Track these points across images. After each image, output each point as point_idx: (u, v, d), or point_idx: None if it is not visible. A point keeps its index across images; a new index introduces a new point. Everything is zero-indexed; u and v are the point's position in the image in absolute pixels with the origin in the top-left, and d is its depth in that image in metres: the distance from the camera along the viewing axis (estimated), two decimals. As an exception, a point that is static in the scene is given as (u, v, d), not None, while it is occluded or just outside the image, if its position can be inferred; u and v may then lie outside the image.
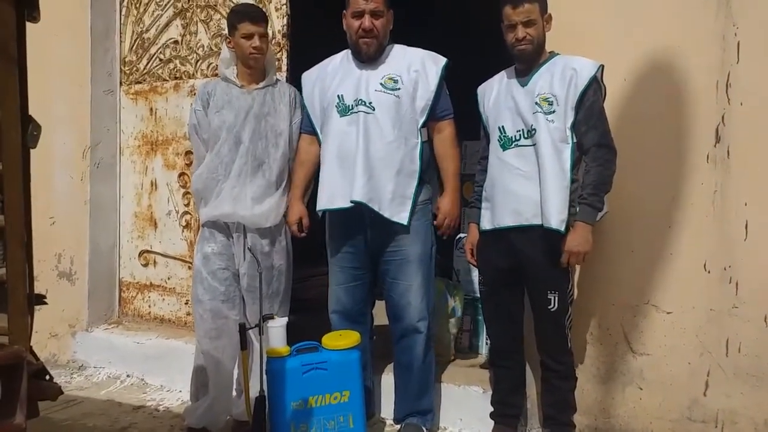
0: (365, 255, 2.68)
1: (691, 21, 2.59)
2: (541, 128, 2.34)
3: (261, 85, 2.80)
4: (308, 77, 2.79)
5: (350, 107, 2.59)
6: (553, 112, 2.34)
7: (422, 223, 2.64)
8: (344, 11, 2.65)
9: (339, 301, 2.74)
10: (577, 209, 2.31)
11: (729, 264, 2.52)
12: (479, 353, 3.37)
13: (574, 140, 2.35)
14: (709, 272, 2.55)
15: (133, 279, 4.03)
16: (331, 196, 2.60)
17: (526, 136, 2.39)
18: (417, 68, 2.61)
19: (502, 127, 2.45)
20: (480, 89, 2.63)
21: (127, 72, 4.01)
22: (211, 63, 3.66)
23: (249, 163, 2.73)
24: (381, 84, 2.59)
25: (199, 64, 3.73)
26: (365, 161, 2.54)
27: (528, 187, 2.36)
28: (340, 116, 2.61)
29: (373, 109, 2.56)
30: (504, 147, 2.44)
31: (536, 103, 2.37)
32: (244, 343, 2.48)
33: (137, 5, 3.95)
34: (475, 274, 3.43)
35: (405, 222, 2.58)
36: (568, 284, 2.40)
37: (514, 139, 2.42)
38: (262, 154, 2.75)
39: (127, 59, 4.01)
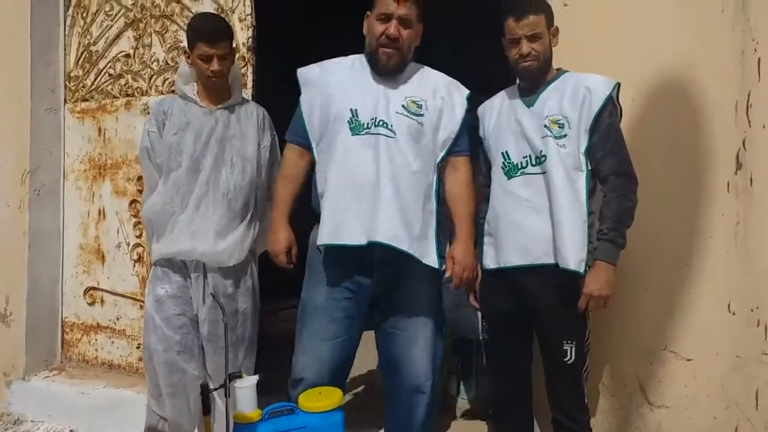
0: (365, 301, 2.26)
1: (705, 35, 2.35)
2: (552, 154, 2.05)
3: (225, 104, 2.46)
4: (307, 76, 2.33)
5: (366, 126, 2.18)
6: (565, 136, 2.06)
7: (433, 267, 2.23)
8: (368, 12, 2.27)
9: (319, 364, 2.24)
10: (596, 246, 2.02)
11: (756, 305, 2.26)
12: (471, 398, 3.05)
13: (589, 167, 2.07)
14: (733, 314, 2.29)
15: (78, 319, 3.61)
16: (337, 229, 2.15)
17: (534, 162, 2.10)
18: (443, 95, 2.27)
19: (506, 152, 2.16)
20: (480, 110, 2.33)
21: (73, 88, 3.61)
22: (167, 78, 3.29)
23: (210, 193, 2.39)
24: (403, 106, 2.20)
25: (153, 79, 3.36)
26: (392, 193, 2.13)
27: (538, 221, 2.07)
28: (352, 134, 2.19)
29: (394, 134, 2.18)
30: (509, 175, 2.14)
31: (545, 126, 2.08)
32: (207, 407, 2.10)
33: (83, 15, 3.57)
34: (464, 311, 3.13)
35: (437, 265, 2.19)
36: (585, 332, 2.10)
37: (520, 167, 2.12)
38: (225, 183, 2.41)
39: (72, 74, 3.62)
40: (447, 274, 2.22)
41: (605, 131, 2.06)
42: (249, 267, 2.50)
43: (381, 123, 2.18)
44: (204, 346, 2.44)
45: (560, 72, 2.19)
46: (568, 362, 2.07)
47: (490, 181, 2.27)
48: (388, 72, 2.24)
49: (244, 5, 3.12)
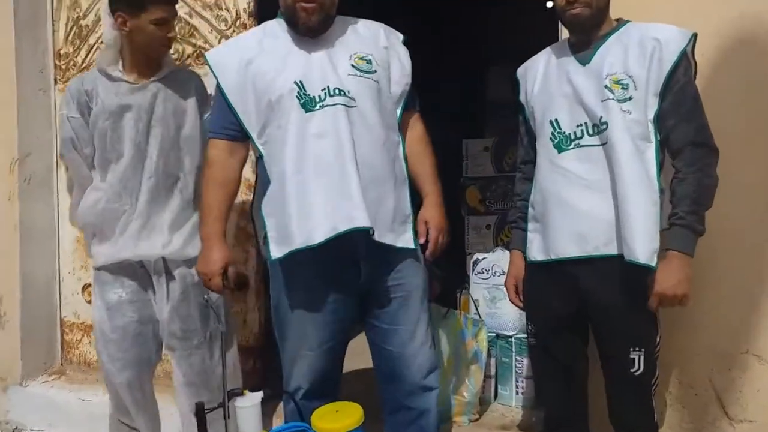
0: (355, 300, 1.93)
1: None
2: (615, 121, 1.68)
3: (158, 75, 2.14)
4: (221, 58, 1.93)
5: (319, 99, 1.82)
6: (630, 98, 1.69)
7: (416, 246, 1.94)
8: None
9: (312, 372, 1.94)
10: (670, 233, 1.66)
11: None
12: (510, 405, 2.71)
13: (658, 137, 1.70)
14: (830, 309, 1.92)
15: (78, 318, 3.33)
16: (309, 228, 1.78)
17: (591, 132, 1.73)
18: (385, 44, 1.96)
19: (556, 120, 1.79)
20: (520, 71, 1.97)
21: (63, 67, 3.30)
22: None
23: (161, 182, 2.12)
24: (353, 66, 1.87)
25: (148, 53, 3.03)
26: (359, 171, 1.80)
27: (597, 203, 1.70)
28: (306, 112, 1.82)
29: (354, 101, 1.84)
30: (560, 148, 1.78)
31: (606, 87, 1.71)
32: (204, 430, 1.78)
33: (72, -15, 3.24)
34: (500, 304, 2.79)
35: (413, 245, 1.89)
36: (656, 337, 1.74)
37: (573, 137, 1.76)
38: (174, 167, 2.13)
39: (62, 51, 3.30)
40: (421, 240, 1.92)
41: (679, 93, 1.68)
42: None
43: (337, 91, 1.82)
44: (172, 350, 2.21)
45: (621, 22, 1.81)
46: (636, 373, 1.71)
47: (533, 155, 1.92)
48: (313, 31, 1.87)
49: (246, -34, 2.78)
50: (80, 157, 2.17)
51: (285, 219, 1.81)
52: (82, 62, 3.24)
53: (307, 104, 1.82)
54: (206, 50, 2.80)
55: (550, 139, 1.80)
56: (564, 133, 1.77)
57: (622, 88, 1.69)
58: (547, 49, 1.92)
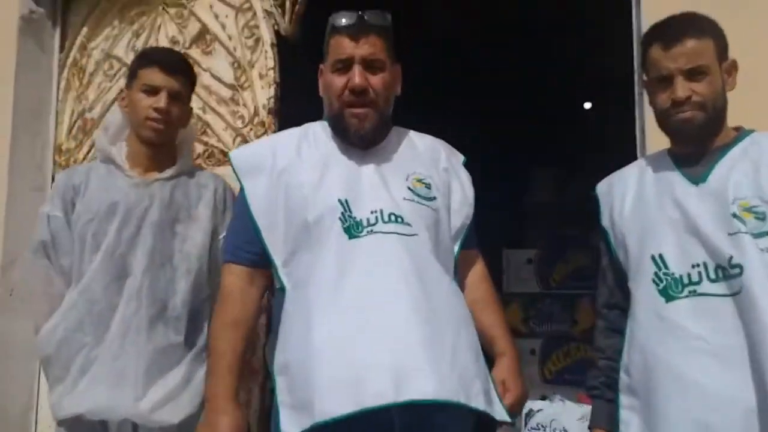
0: None
1: None
2: (752, 264, 1.24)
3: (167, 173, 1.78)
4: (252, 159, 1.58)
5: (367, 223, 1.45)
6: (768, 232, 1.24)
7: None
8: (321, 66, 1.62)
9: None
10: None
11: None
12: None
13: (810, 287, 1.24)
14: None
15: (55, 454, 2.82)
16: (342, 394, 1.31)
17: (714, 276, 1.29)
18: (445, 165, 1.64)
19: (660, 257, 1.35)
20: (602, 188, 1.56)
21: (63, 163, 2.96)
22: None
23: (144, 309, 1.68)
24: (410, 189, 1.52)
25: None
26: (426, 319, 1.36)
27: (730, 381, 1.24)
28: (350, 238, 1.44)
29: (411, 226, 1.46)
30: (668, 295, 1.33)
31: (734, 216, 1.27)
32: None
33: (80, 76, 2.97)
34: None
35: (508, 417, 1.44)
36: None
37: (687, 281, 1.31)
38: (165, 292, 1.71)
39: (63, 147, 2.99)
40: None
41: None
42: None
43: (392, 217, 1.45)
44: None
45: (742, 132, 1.39)
46: None
47: (621, 298, 1.46)
48: (366, 141, 1.54)
49: (266, 58, 2.46)
50: (52, 268, 1.77)
51: (306, 378, 1.35)
52: (84, 158, 2.91)
53: (352, 229, 1.43)
54: (219, 150, 2.50)
55: (654, 281, 1.34)
56: (673, 274, 1.32)
57: (757, 218, 1.26)
58: (639, 162, 1.52)
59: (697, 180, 1.37)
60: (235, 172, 1.58)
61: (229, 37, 2.54)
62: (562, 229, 3.96)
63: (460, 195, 1.63)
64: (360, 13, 1.51)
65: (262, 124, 2.40)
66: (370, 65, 1.52)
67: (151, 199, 1.75)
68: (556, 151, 4.45)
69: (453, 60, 4.30)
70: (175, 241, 1.76)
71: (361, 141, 1.54)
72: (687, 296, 1.30)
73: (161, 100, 1.70)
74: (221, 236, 1.78)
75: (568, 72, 4.23)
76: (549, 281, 3.58)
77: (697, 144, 1.39)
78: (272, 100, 2.42)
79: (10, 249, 2.85)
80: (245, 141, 2.40)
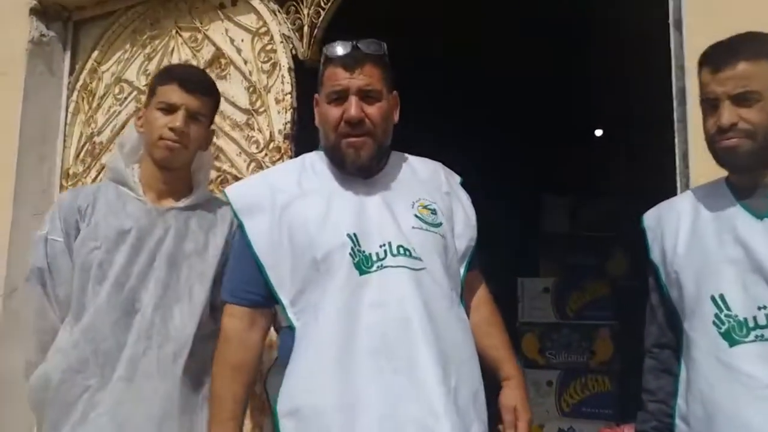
0: None
1: None
2: (825, 308, 1.13)
3: (183, 202, 1.67)
4: (250, 196, 1.54)
5: (377, 257, 1.41)
6: (840, 273, 1.15)
7: None
8: (316, 95, 1.59)
9: None
10: None
11: None
12: None
13: None
14: None
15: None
16: None
17: (784, 320, 1.17)
18: (446, 189, 1.63)
19: (721, 297, 1.25)
20: (649, 221, 1.46)
21: (70, 188, 2.89)
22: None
23: (153, 351, 1.55)
24: (417, 217, 1.49)
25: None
26: (437, 362, 1.34)
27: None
28: (360, 274, 1.40)
29: (420, 260, 1.43)
30: (731, 339, 1.22)
31: (804, 255, 1.17)
32: None
33: (89, 99, 2.91)
34: None
35: None
36: None
37: (754, 325, 1.21)
38: (177, 331, 1.58)
39: (71, 171, 2.92)
40: None
41: None
42: None
43: (401, 250, 1.42)
44: None
45: (807, 160, 1.30)
46: None
47: (672, 338, 1.36)
48: (364, 171, 1.51)
49: (283, 83, 2.39)
50: (46, 298, 1.64)
51: (315, 422, 1.32)
52: (92, 183, 2.84)
53: (362, 264, 1.39)
54: (233, 176, 2.41)
55: (714, 324, 1.24)
56: (736, 317, 1.22)
57: (829, 258, 1.15)
58: (692, 193, 1.42)
59: (761, 214, 1.27)
60: (233, 210, 1.53)
61: (245, 62, 2.47)
62: (574, 256, 3.90)
63: (462, 217, 1.61)
64: (354, 42, 1.48)
65: (278, 149, 2.32)
66: (366, 95, 1.49)
67: (166, 228, 1.63)
68: (570, 177, 4.39)
69: (463, 91, 4.26)
70: (191, 275, 1.64)
71: (359, 171, 1.51)
72: (754, 341, 1.20)
73: (178, 119, 1.59)
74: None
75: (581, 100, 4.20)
76: (566, 310, 3.49)
77: (749, 174, 1.30)
78: (289, 125, 2.34)
79: (12, 276, 2.76)
80: (260, 166, 2.32)
